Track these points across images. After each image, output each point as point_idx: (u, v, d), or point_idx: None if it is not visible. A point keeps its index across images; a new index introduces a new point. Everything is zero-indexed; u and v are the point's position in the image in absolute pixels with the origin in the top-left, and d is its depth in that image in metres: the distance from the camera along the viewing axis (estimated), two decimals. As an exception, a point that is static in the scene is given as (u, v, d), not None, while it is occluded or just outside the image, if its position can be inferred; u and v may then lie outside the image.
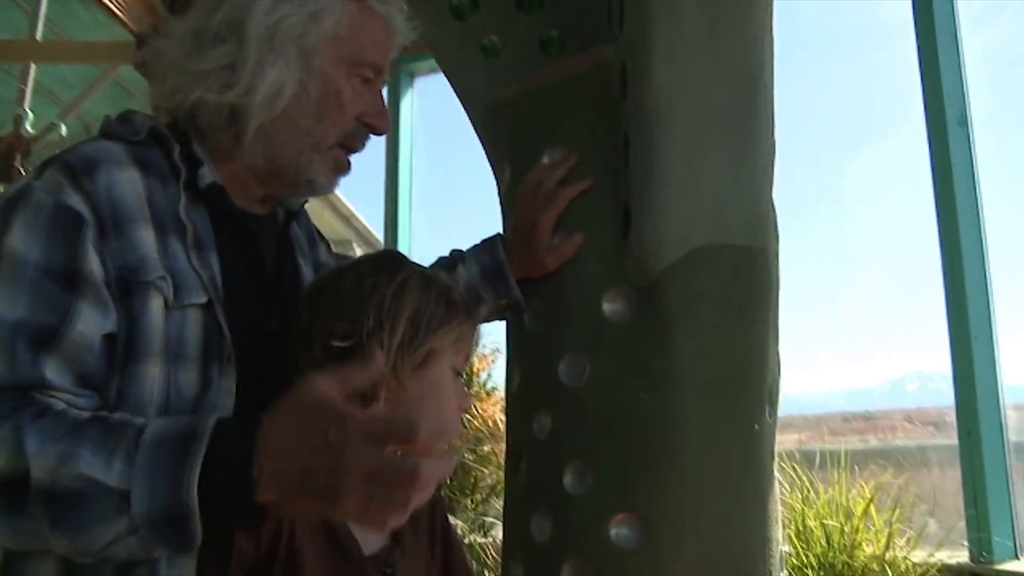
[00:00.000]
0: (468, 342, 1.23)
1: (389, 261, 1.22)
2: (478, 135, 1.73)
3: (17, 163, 6.20)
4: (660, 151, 1.33)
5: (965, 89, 3.16)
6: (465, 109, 1.74)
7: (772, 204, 1.38)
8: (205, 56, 1.17)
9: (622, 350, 1.37)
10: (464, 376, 1.25)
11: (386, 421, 0.87)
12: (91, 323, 1.03)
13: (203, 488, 0.89)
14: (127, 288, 1.06)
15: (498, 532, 3.62)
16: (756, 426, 1.37)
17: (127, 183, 1.10)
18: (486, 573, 3.47)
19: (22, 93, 6.30)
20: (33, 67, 6.41)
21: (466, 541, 3.47)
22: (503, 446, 3.72)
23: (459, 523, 3.40)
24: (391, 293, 1.15)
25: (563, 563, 1.36)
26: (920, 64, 3.20)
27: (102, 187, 1.08)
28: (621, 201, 1.40)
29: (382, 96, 1.29)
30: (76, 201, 1.05)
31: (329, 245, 1.54)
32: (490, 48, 1.70)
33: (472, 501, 3.44)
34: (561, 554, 1.37)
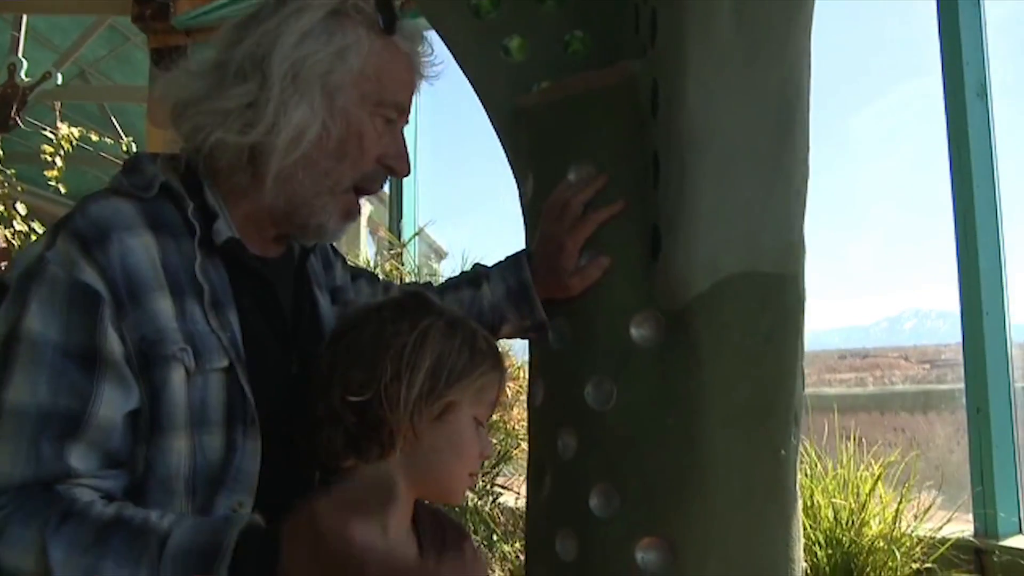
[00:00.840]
0: (492, 391, 1.21)
1: (413, 305, 1.19)
2: (498, 137, 1.69)
3: (13, 113, 6.13)
4: (692, 176, 1.30)
5: (986, 60, 3.10)
6: (485, 109, 1.70)
7: (803, 230, 1.36)
8: (226, 94, 1.13)
9: (650, 376, 1.36)
10: (486, 426, 1.24)
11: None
12: (113, 404, 1.03)
13: None
14: (147, 361, 1.06)
15: (506, 499, 3.66)
16: (782, 451, 1.37)
17: (140, 250, 1.08)
18: (494, 538, 3.52)
19: (16, 41, 6.19)
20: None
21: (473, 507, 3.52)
22: (512, 413, 3.74)
23: (468, 492, 3.44)
24: (411, 342, 1.12)
25: (589, 584, 1.37)
26: (940, 34, 3.13)
27: (115, 258, 1.06)
28: (649, 223, 1.38)
29: (403, 137, 1.26)
30: (91, 276, 1.04)
31: (344, 259, 1.52)
32: (511, 48, 1.66)
33: (480, 469, 3.47)
34: (587, 575, 1.38)
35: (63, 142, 5.90)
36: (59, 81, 6.39)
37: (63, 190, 5.93)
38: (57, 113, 6.22)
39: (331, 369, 1.14)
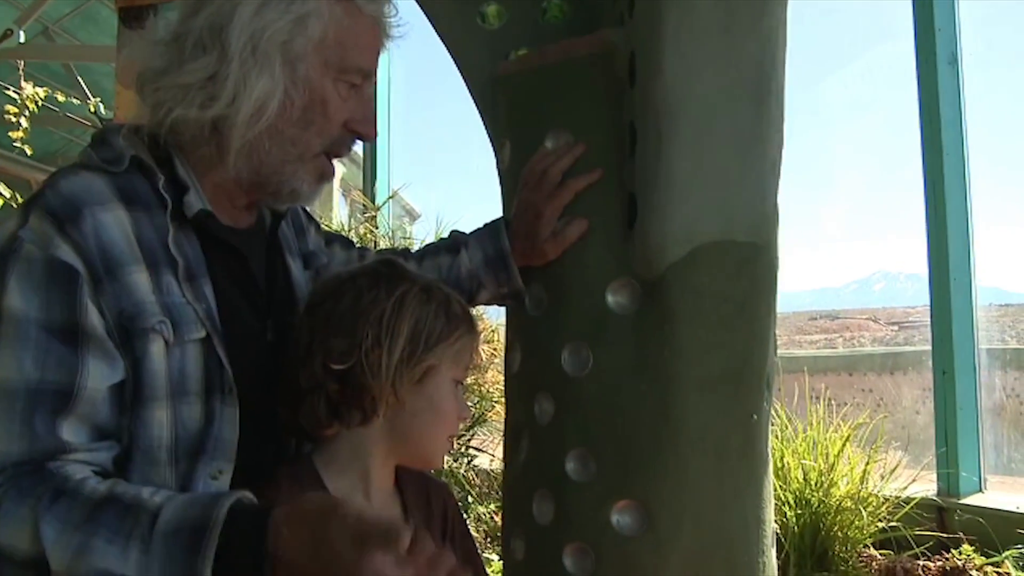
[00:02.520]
0: (468, 353, 1.23)
1: (387, 273, 1.20)
2: (475, 103, 1.69)
3: (-24, 72, 5.99)
4: (668, 145, 1.31)
5: (957, 27, 3.12)
6: (462, 75, 1.70)
7: (777, 199, 1.38)
8: (186, 68, 1.12)
9: (625, 343, 1.38)
10: (464, 386, 1.26)
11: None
12: (100, 376, 1.04)
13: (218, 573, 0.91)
14: (127, 334, 1.06)
15: (481, 461, 3.70)
16: (754, 416, 1.40)
17: (114, 225, 1.08)
18: (469, 499, 3.56)
19: (-24, -3, 6.04)
20: (-12, -30, 6.12)
21: (449, 470, 3.55)
22: (486, 376, 3.77)
23: (443, 454, 3.47)
24: (389, 308, 1.14)
25: (565, 545, 1.40)
26: (913, 1, 3.15)
27: (89, 233, 1.05)
28: (626, 191, 1.39)
29: (369, 101, 1.25)
30: (66, 252, 1.03)
31: (318, 224, 1.52)
32: (488, 15, 1.65)
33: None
34: (563, 537, 1.41)
35: (28, 102, 5.78)
36: (21, 39, 6.25)
37: (29, 152, 5.83)
38: (21, 72, 6.09)
39: (310, 338, 1.15)
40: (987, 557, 2.90)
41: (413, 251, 1.57)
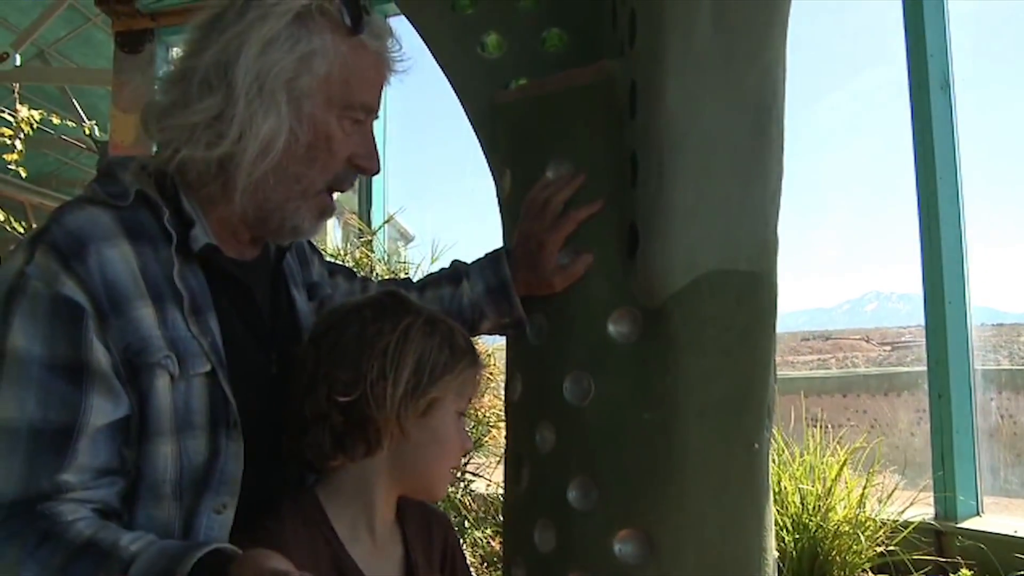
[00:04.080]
0: (472, 386, 1.23)
1: (392, 304, 1.20)
2: (475, 131, 1.70)
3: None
4: (670, 175, 1.32)
5: (949, 53, 3.15)
6: (461, 103, 1.71)
7: (777, 228, 1.38)
8: (192, 107, 1.13)
9: (627, 372, 1.38)
10: (466, 416, 1.26)
11: None
12: (103, 414, 1.04)
13: None
14: (133, 369, 1.06)
15: (477, 485, 3.68)
16: (755, 444, 1.40)
17: (119, 260, 1.08)
18: (466, 524, 3.54)
19: (-28, 21, 6.05)
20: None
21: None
22: (483, 400, 3.75)
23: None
24: (394, 341, 1.14)
25: (567, 575, 1.40)
26: (905, 28, 3.19)
27: (94, 269, 1.05)
28: (627, 221, 1.40)
29: (373, 135, 1.26)
30: (71, 289, 1.04)
31: (321, 255, 1.52)
32: (488, 44, 1.66)
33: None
34: (565, 566, 1.40)
35: (23, 125, 5.79)
36: (17, 62, 6.25)
37: (24, 174, 5.82)
38: (16, 95, 6.10)
39: (315, 369, 1.15)
40: (986, 582, 2.90)
41: (415, 281, 1.57)
